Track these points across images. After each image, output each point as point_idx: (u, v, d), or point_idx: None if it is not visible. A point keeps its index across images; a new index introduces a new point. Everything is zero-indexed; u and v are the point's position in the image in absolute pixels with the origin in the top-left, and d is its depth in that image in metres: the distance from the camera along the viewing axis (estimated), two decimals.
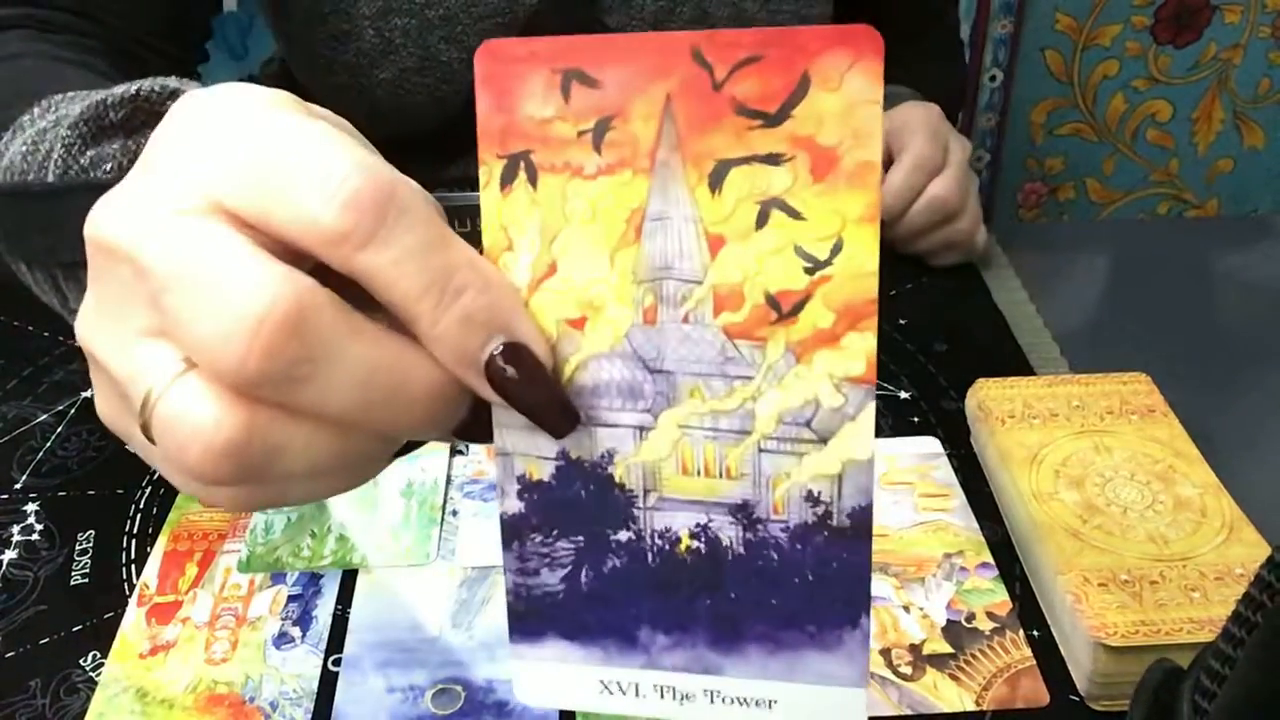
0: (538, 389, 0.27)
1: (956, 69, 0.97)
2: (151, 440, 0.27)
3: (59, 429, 0.59)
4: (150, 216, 0.26)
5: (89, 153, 0.38)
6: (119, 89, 0.38)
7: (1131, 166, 1.20)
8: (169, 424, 0.26)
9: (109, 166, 0.37)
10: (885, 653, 0.47)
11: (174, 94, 0.38)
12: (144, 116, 0.38)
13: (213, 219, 0.25)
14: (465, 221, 0.63)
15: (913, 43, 0.82)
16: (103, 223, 0.27)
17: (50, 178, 0.38)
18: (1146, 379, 0.58)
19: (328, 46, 0.69)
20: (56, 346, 0.65)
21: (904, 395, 0.62)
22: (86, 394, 0.61)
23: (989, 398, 0.57)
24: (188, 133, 0.27)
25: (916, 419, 0.60)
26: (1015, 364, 0.64)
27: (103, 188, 0.29)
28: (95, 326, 0.28)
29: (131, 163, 0.35)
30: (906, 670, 0.46)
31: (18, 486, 0.56)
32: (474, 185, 0.75)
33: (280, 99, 0.28)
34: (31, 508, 0.54)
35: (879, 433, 0.59)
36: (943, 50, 0.94)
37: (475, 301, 0.26)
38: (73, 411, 0.60)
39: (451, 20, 0.69)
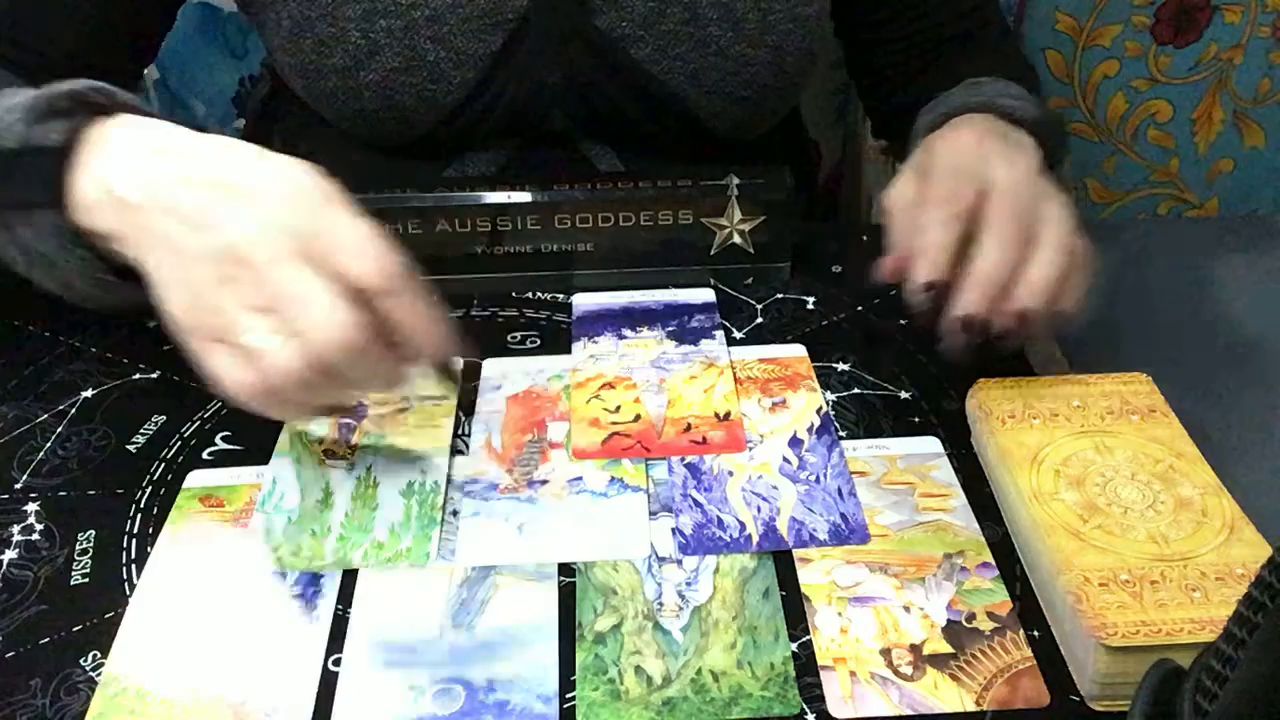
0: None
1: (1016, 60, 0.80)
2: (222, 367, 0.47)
3: (59, 429, 0.59)
4: (267, 252, 0.46)
5: (37, 128, 0.52)
6: (64, 85, 0.53)
7: (1132, 166, 1.20)
8: (271, 358, 0.46)
9: (55, 136, 0.52)
10: (885, 653, 0.47)
11: (110, 94, 0.54)
12: (82, 107, 0.53)
13: (307, 266, 0.46)
14: (431, 218, 0.67)
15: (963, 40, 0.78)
16: (239, 241, 0.46)
17: (13, 144, 0.52)
18: (1146, 379, 0.58)
19: (315, 52, 0.69)
20: (57, 346, 0.65)
21: (904, 395, 0.62)
22: (87, 394, 0.61)
23: (989, 398, 0.57)
24: (275, 195, 0.48)
25: (917, 419, 0.60)
26: (1015, 364, 0.64)
27: (53, 149, 0.51)
28: (213, 288, 0.47)
29: (73, 136, 0.51)
30: (907, 670, 0.46)
31: (18, 486, 0.56)
32: (471, 185, 0.76)
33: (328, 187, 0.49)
34: (31, 508, 0.54)
35: (880, 433, 0.59)
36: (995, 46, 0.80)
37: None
38: (73, 411, 0.60)
39: (438, 20, 0.68)
